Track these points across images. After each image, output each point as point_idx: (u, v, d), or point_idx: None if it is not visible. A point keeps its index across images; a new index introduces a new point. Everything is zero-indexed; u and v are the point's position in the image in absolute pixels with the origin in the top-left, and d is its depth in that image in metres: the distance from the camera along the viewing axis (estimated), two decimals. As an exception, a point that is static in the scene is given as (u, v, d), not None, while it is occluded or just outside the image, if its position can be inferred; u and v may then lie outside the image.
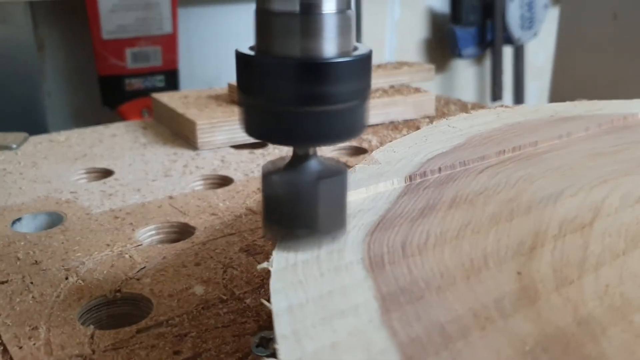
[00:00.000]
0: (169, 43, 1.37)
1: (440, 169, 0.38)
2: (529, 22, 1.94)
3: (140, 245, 0.48)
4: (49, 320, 0.38)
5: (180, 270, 0.44)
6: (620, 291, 0.25)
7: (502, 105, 0.54)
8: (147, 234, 0.50)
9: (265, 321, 0.37)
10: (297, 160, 0.33)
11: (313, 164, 0.33)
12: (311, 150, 0.33)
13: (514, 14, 1.89)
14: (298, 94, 0.29)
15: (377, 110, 0.80)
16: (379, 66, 0.91)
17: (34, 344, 0.35)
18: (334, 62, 0.29)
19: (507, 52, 2.02)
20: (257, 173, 0.64)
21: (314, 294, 0.24)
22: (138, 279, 0.42)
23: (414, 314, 0.23)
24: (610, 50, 1.19)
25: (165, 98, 0.83)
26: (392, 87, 0.87)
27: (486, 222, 0.31)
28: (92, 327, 0.37)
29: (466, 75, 2.08)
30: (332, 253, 0.28)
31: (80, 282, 0.42)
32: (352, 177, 0.37)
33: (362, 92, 0.31)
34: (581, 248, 0.28)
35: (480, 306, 0.24)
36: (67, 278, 0.43)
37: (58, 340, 0.36)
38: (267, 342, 0.29)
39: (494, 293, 0.25)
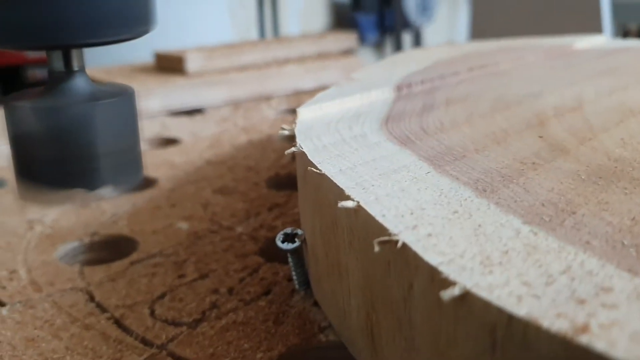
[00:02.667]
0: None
1: (422, 81, 0.39)
2: (424, 7, 2.01)
3: (103, 197, 0.45)
4: (26, 263, 0.35)
5: (155, 212, 0.42)
6: (637, 141, 0.26)
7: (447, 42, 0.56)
8: (105, 189, 0.47)
9: (264, 243, 0.36)
10: (57, 81, 0.23)
11: (80, 84, 0.23)
12: (75, 64, 0.23)
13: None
14: None
15: (311, 75, 0.80)
16: (304, 36, 0.91)
17: (19, 284, 0.32)
18: None
19: (407, 39, 2.09)
20: (204, 132, 0.62)
21: (358, 161, 0.24)
22: (114, 222, 0.40)
23: (465, 166, 0.23)
24: (525, 15, 1.24)
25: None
26: (320, 54, 0.87)
27: (487, 111, 0.32)
28: (78, 265, 0.35)
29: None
30: (356, 137, 0.28)
31: (49, 229, 0.39)
32: (340, 90, 0.37)
33: None
34: (583, 121, 0.30)
35: (523, 157, 0.24)
36: (32, 228, 0.39)
37: (43, 279, 0.33)
38: (292, 237, 0.28)
39: (528, 149, 0.25)
